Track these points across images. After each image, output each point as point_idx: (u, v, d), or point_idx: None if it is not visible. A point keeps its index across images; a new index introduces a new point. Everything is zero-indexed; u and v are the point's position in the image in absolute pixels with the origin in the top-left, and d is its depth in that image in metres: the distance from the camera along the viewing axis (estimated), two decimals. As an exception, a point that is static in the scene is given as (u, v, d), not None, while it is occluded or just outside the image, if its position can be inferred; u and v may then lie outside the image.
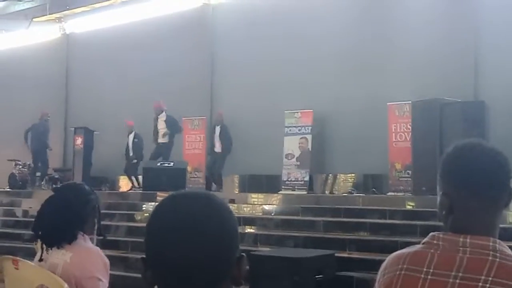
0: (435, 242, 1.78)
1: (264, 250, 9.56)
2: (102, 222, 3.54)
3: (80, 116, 17.50)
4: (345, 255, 8.96)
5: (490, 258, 1.69)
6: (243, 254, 1.46)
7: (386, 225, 9.96)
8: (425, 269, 1.74)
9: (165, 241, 1.40)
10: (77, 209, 3.24)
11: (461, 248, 1.73)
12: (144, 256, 1.44)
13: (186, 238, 1.38)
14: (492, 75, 12.03)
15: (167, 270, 1.40)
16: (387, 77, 13.04)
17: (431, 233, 1.81)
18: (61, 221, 3.19)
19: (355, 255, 9.01)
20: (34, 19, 19.35)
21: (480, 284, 1.65)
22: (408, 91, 12.26)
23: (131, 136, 15.47)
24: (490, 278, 1.65)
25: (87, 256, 3.19)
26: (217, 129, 14.59)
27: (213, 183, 14.46)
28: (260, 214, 11.89)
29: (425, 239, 1.81)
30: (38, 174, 16.87)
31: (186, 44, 16.31)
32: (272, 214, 11.80)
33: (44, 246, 3.21)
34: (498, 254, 1.70)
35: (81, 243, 3.21)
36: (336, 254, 8.65)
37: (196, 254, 1.38)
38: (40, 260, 3.21)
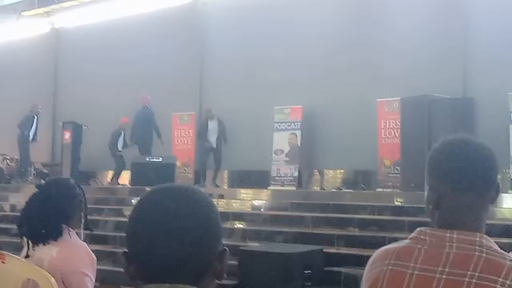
0: (422, 237, 1.78)
1: (253, 245, 9.56)
2: (91, 217, 3.52)
3: (69, 110, 17.42)
4: (333, 250, 8.98)
5: (477, 253, 1.69)
6: (225, 248, 1.46)
7: (375, 221, 9.99)
8: (412, 265, 1.75)
9: (146, 236, 1.40)
10: (62, 205, 3.22)
11: (447, 244, 1.73)
12: (126, 250, 1.44)
13: (167, 233, 1.38)
14: (481, 72, 12.07)
15: (149, 265, 1.39)
16: (376, 73, 13.06)
17: (418, 228, 1.81)
18: (46, 217, 3.17)
19: (344, 250, 9.03)
20: (22, 13, 19.24)
21: (467, 279, 1.65)
22: (397, 88, 12.28)
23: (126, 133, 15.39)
24: (477, 274, 1.65)
25: (74, 251, 3.18)
26: (211, 123, 14.49)
27: (201, 178, 14.45)
28: (249, 209, 11.90)
29: (412, 235, 1.81)
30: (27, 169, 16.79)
31: (176, 39, 16.26)
32: (261, 209, 11.81)
33: (30, 242, 3.19)
34: (484, 250, 1.70)
35: (67, 238, 3.19)
36: (324, 250, 8.68)
37: (178, 248, 1.38)
38: (26, 256, 3.20)
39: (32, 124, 16.32)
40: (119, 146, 15.32)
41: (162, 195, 1.46)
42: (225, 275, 1.46)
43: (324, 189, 13.59)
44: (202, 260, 1.41)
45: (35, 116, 16.39)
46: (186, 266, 1.39)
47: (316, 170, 14.34)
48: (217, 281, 1.47)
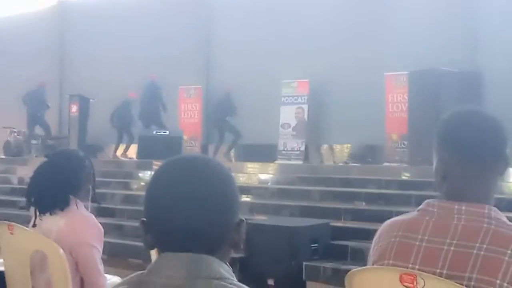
0: (430, 209, 1.78)
1: (260, 219, 9.58)
2: (98, 190, 3.53)
3: (76, 84, 17.39)
4: (340, 224, 8.99)
5: (485, 225, 1.69)
6: (243, 218, 1.47)
7: (382, 195, 9.98)
8: (420, 236, 1.74)
9: (164, 205, 1.41)
10: (70, 175, 3.22)
11: (456, 216, 1.72)
12: (144, 219, 1.44)
13: (185, 203, 1.39)
14: (490, 46, 11.97)
15: (166, 233, 1.41)
16: (384, 47, 12.96)
17: (426, 200, 1.80)
18: (53, 187, 3.17)
19: (350, 224, 9.04)
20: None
21: (475, 251, 1.65)
22: (405, 61, 12.20)
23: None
24: (485, 246, 1.65)
25: (81, 222, 3.19)
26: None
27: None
28: (256, 183, 11.90)
29: (421, 206, 1.81)
30: (34, 141, 16.81)
31: (183, 13, 16.17)
32: (268, 183, 11.83)
33: (37, 212, 3.20)
34: (493, 222, 1.69)
35: (75, 210, 3.19)
36: (331, 224, 8.68)
37: (195, 218, 1.39)
38: (34, 226, 3.21)
39: (45, 99, 16.34)
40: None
41: (180, 165, 1.47)
42: (241, 246, 1.46)
43: (335, 163, 13.54)
44: (220, 230, 1.42)
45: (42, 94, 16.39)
46: (203, 236, 1.40)
47: (323, 145, 14.32)
48: (234, 251, 1.48)
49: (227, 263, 1.46)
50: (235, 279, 1.42)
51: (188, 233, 1.39)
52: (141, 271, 1.43)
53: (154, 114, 14.98)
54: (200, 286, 1.36)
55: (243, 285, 1.40)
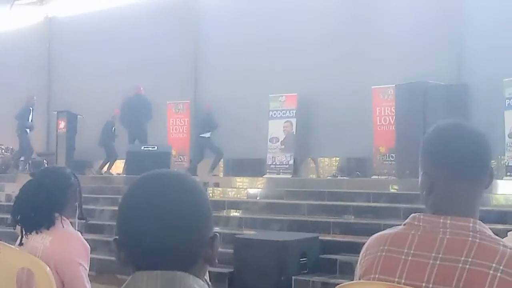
0: (415, 223, 1.78)
1: (249, 233, 9.57)
2: (86, 206, 3.52)
3: (63, 99, 17.35)
4: (329, 238, 9.00)
5: (470, 239, 1.69)
6: (216, 233, 1.45)
7: (370, 208, 10.01)
8: (405, 250, 1.75)
9: (136, 223, 1.39)
10: (56, 194, 3.20)
11: (441, 229, 1.73)
12: (116, 237, 1.44)
13: (157, 219, 1.38)
14: (476, 59, 12.05)
15: (139, 251, 1.39)
16: (371, 60, 13.03)
17: (412, 214, 1.81)
18: (38, 206, 3.15)
19: (339, 238, 9.05)
20: (16, 2, 19.12)
21: (460, 265, 1.65)
22: (392, 75, 12.27)
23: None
24: (470, 259, 1.65)
25: (67, 240, 3.17)
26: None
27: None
28: (245, 197, 11.90)
29: (406, 220, 1.81)
30: (22, 158, 16.73)
31: (170, 28, 16.20)
32: (257, 197, 11.82)
33: (23, 231, 3.18)
34: (478, 235, 1.70)
35: (61, 228, 3.17)
36: (320, 237, 8.69)
37: (168, 235, 1.38)
38: (20, 244, 3.19)
39: (29, 116, 16.25)
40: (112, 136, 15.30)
41: (152, 181, 1.45)
42: (216, 261, 1.46)
43: (319, 177, 13.58)
44: (193, 246, 1.41)
45: (31, 108, 16.31)
46: (176, 252, 1.38)
47: (311, 158, 14.34)
48: (209, 266, 1.47)
49: (205, 278, 1.45)
50: None
51: (161, 250, 1.38)
52: None
53: (139, 130, 14.94)
54: None
55: None
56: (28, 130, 16.18)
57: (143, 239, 1.38)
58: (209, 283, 1.45)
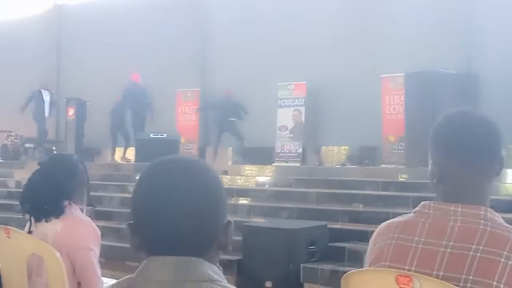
0: (426, 211, 1.78)
1: (258, 221, 9.58)
2: (96, 193, 3.53)
3: (72, 87, 17.38)
4: (337, 226, 8.99)
5: (481, 226, 1.69)
6: (230, 220, 1.45)
7: (379, 197, 9.98)
8: (416, 238, 1.75)
9: (151, 208, 1.39)
10: (64, 182, 3.21)
11: (452, 217, 1.73)
12: (131, 222, 1.44)
13: (172, 205, 1.38)
14: (486, 47, 11.99)
15: (153, 237, 1.40)
16: (380, 49, 12.97)
17: (423, 202, 1.81)
18: (47, 194, 3.17)
19: (348, 226, 9.04)
20: (25, -10, 19.15)
21: (471, 252, 1.65)
22: (402, 63, 12.22)
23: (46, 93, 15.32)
24: (481, 247, 1.65)
25: (78, 226, 3.19)
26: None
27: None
28: (254, 186, 11.90)
29: (417, 208, 1.81)
30: (27, 145, 16.76)
31: (179, 15, 16.17)
32: (266, 186, 11.82)
33: (32, 219, 3.20)
34: (489, 223, 1.70)
35: (71, 214, 3.19)
36: (328, 225, 8.68)
37: (182, 221, 1.38)
38: (29, 232, 3.20)
39: (44, 99, 16.13)
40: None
41: (167, 166, 1.45)
42: (230, 247, 1.46)
43: (328, 165, 13.55)
44: (207, 233, 1.41)
45: (42, 92, 16.21)
46: (190, 238, 1.39)
47: (320, 147, 14.32)
48: (223, 253, 1.47)
49: (217, 264, 1.45)
50: (224, 280, 1.41)
51: (175, 236, 1.38)
52: (130, 275, 1.42)
53: (137, 119, 14.96)
54: None
55: (233, 287, 1.40)
56: (46, 112, 16.05)
57: (158, 225, 1.38)
58: (221, 269, 1.45)
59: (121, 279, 1.44)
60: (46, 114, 16.08)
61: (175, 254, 1.38)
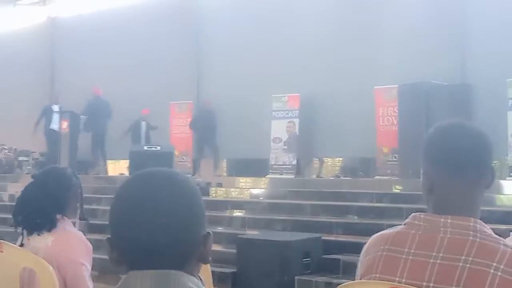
0: (416, 222, 1.78)
1: (252, 233, 9.57)
2: (89, 206, 3.53)
3: (66, 100, 17.35)
4: (332, 238, 8.99)
5: (471, 238, 1.69)
6: (209, 232, 1.44)
7: (373, 209, 10.00)
8: (406, 250, 1.75)
9: (128, 222, 1.39)
10: (57, 195, 3.20)
11: (442, 229, 1.73)
12: (109, 236, 1.43)
13: (149, 218, 1.37)
14: (479, 59, 12.04)
15: (132, 250, 1.39)
16: (373, 60, 13.02)
17: (413, 214, 1.81)
18: (40, 207, 3.16)
19: (342, 238, 9.04)
20: (18, 2, 19.16)
21: (461, 264, 1.65)
22: (395, 75, 12.26)
23: (143, 123, 15.31)
24: (471, 258, 1.65)
25: (69, 240, 3.17)
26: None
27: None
28: (248, 198, 11.90)
29: (407, 220, 1.81)
30: (21, 158, 16.72)
31: (173, 28, 16.21)
32: (260, 198, 11.83)
33: (24, 232, 3.19)
34: (478, 234, 1.70)
35: (62, 228, 3.18)
36: (323, 237, 8.68)
37: (160, 234, 1.37)
38: (21, 245, 3.19)
39: (51, 114, 16.02)
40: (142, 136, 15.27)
41: (143, 179, 1.44)
42: (210, 259, 1.45)
43: (322, 177, 13.57)
44: (186, 245, 1.40)
45: (52, 107, 16.13)
46: (169, 251, 1.38)
47: (314, 158, 14.33)
48: (203, 264, 1.46)
49: (198, 275, 1.44)
50: None
51: (153, 250, 1.37)
52: None
53: (102, 133, 15.04)
54: None
55: None
56: (56, 127, 15.91)
57: (136, 238, 1.37)
58: (202, 279, 1.44)
59: None
60: (56, 128, 15.95)
61: (155, 268, 1.36)
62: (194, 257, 1.42)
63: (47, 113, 15.84)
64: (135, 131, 15.39)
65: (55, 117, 15.74)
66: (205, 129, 14.34)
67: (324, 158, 14.10)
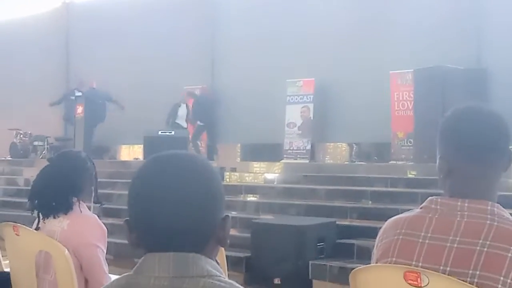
0: (433, 206, 1.77)
1: (266, 218, 9.59)
2: (104, 191, 3.54)
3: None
4: (346, 223, 8.99)
5: (488, 222, 1.68)
6: (228, 214, 1.44)
7: (388, 193, 9.98)
8: (422, 234, 1.74)
9: (147, 205, 1.38)
10: (72, 178, 3.22)
11: (459, 213, 1.72)
12: (128, 218, 1.43)
13: (167, 202, 1.37)
14: (495, 42, 11.93)
15: (150, 233, 1.39)
16: (389, 45, 12.93)
17: (430, 198, 1.80)
18: (56, 190, 3.18)
19: (357, 223, 9.03)
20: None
21: (478, 248, 1.64)
22: (411, 59, 12.17)
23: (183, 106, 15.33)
24: (488, 242, 1.64)
25: (85, 223, 3.19)
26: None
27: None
28: (262, 182, 11.91)
29: (424, 204, 1.80)
30: (36, 143, 16.80)
31: (188, 13, 16.17)
32: (274, 182, 11.83)
33: (40, 215, 3.21)
34: (496, 218, 1.68)
35: (78, 211, 3.20)
36: (337, 222, 8.68)
37: (179, 218, 1.37)
38: (37, 228, 3.21)
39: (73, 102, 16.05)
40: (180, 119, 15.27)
41: (162, 162, 1.44)
42: (228, 241, 1.45)
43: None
44: (204, 228, 1.40)
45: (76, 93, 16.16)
46: (188, 234, 1.38)
47: (328, 143, 14.30)
48: (221, 247, 1.46)
49: (216, 259, 1.44)
50: (223, 275, 1.40)
51: (172, 232, 1.37)
52: (128, 273, 1.42)
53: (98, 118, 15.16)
54: (188, 285, 1.34)
55: (232, 281, 1.39)
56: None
57: (154, 220, 1.37)
58: (219, 262, 1.44)
59: (119, 276, 1.43)
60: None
61: (173, 250, 1.37)
62: (212, 240, 1.42)
63: (68, 99, 15.92)
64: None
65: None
66: (203, 115, 14.44)
67: (335, 143, 14.05)
